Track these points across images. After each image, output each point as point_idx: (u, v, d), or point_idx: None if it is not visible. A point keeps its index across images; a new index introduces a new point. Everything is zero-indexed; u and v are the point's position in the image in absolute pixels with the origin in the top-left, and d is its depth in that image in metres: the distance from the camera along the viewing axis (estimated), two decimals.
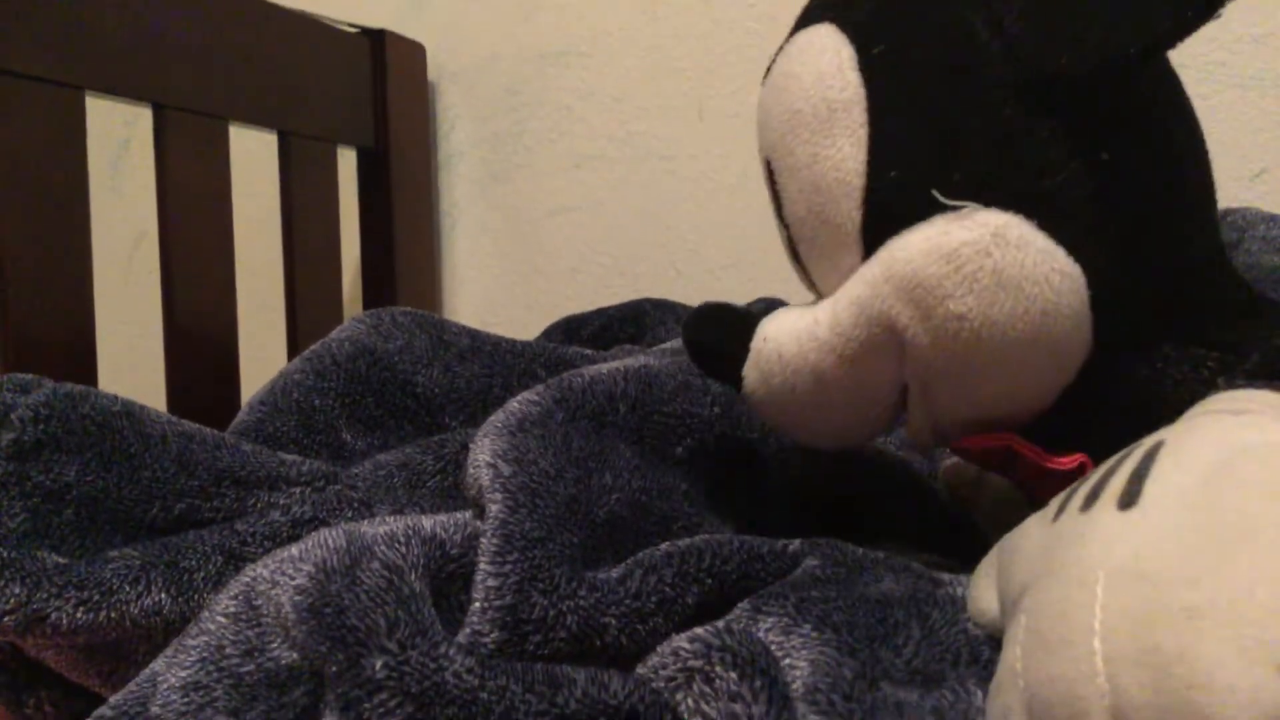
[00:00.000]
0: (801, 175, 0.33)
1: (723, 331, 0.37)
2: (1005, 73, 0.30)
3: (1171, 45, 0.29)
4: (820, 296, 0.35)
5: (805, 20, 0.35)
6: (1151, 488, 0.21)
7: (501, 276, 0.93)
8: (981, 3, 0.30)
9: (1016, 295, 0.28)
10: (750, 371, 0.35)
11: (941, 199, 0.29)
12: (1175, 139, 0.32)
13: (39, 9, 0.55)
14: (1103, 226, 0.30)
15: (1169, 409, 0.26)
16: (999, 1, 0.30)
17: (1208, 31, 0.74)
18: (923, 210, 0.30)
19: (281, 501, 0.40)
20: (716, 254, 0.85)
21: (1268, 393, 0.25)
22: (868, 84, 0.31)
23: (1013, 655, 0.22)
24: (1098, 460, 0.27)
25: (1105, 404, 0.31)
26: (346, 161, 0.84)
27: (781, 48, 0.35)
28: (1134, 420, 0.26)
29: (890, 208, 0.31)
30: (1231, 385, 0.28)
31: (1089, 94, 0.30)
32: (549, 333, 0.73)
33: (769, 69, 0.35)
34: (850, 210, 0.32)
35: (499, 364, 0.53)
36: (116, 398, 0.40)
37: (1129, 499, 0.21)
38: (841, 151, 0.32)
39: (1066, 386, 0.31)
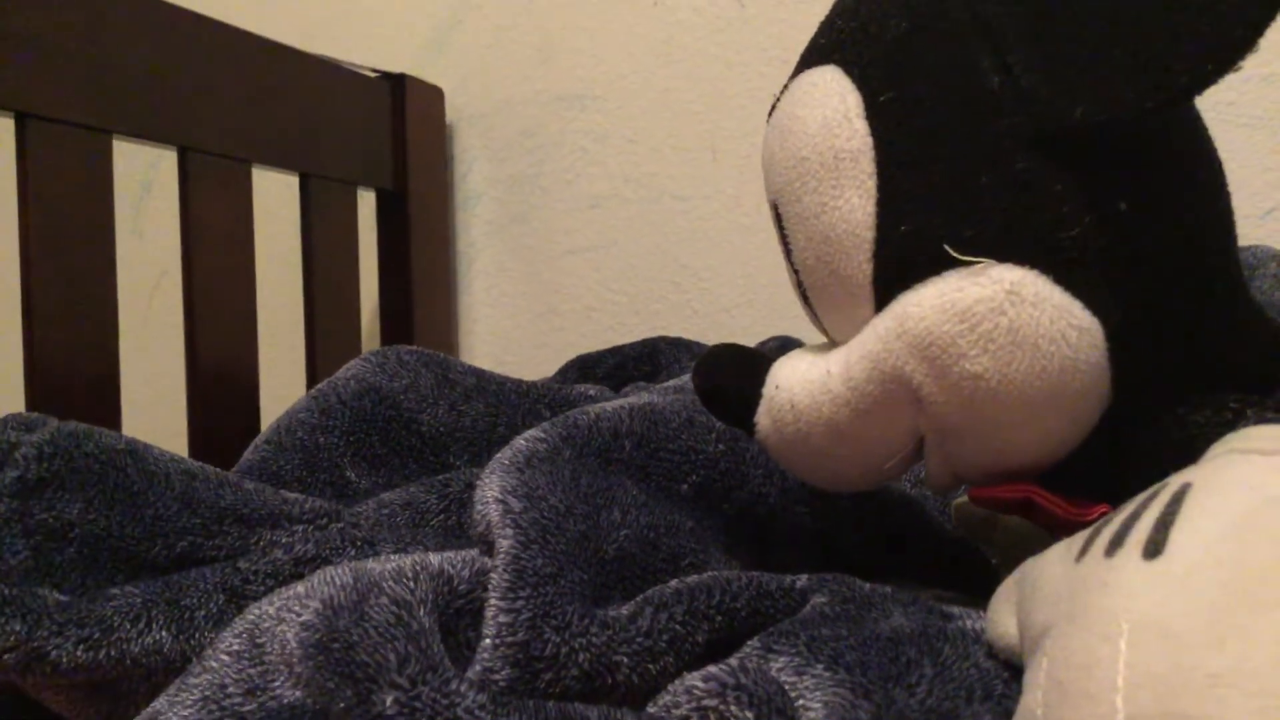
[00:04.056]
0: (810, 225, 0.32)
1: (734, 376, 0.36)
2: (1018, 124, 0.29)
3: (1189, 99, 0.28)
4: (832, 341, 0.34)
5: (810, 60, 0.34)
6: (1178, 536, 0.21)
7: (518, 316, 0.94)
8: (993, 51, 0.29)
9: (1033, 353, 0.28)
10: (763, 419, 0.34)
11: (954, 254, 0.29)
12: (1195, 181, 0.31)
13: (67, 55, 0.57)
14: (1121, 277, 0.29)
15: (1191, 454, 0.26)
16: (1012, 50, 0.29)
17: None
18: (935, 264, 0.29)
19: (284, 540, 0.40)
20: (730, 292, 0.85)
21: None
22: (875, 133, 0.31)
23: (1034, 700, 0.22)
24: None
25: (1127, 450, 0.30)
26: (366, 203, 0.85)
27: (786, 87, 0.34)
28: (1156, 466, 0.26)
29: (902, 262, 0.30)
30: (1261, 418, 0.28)
31: (1105, 145, 0.29)
32: (564, 371, 0.74)
33: (773, 108, 0.35)
34: (861, 262, 0.31)
35: (504, 403, 0.53)
36: (120, 435, 0.41)
37: (1154, 547, 0.21)
38: (850, 203, 0.31)
39: (1087, 434, 0.30)
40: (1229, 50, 0.25)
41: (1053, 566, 0.25)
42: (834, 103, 0.31)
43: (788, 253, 0.35)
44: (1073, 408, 0.29)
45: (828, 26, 0.34)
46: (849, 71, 0.32)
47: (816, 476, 0.35)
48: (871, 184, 0.31)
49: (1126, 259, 0.29)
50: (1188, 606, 0.19)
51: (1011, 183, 0.29)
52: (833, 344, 0.34)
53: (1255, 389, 0.29)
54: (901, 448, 0.32)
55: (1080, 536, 0.24)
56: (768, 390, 0.34)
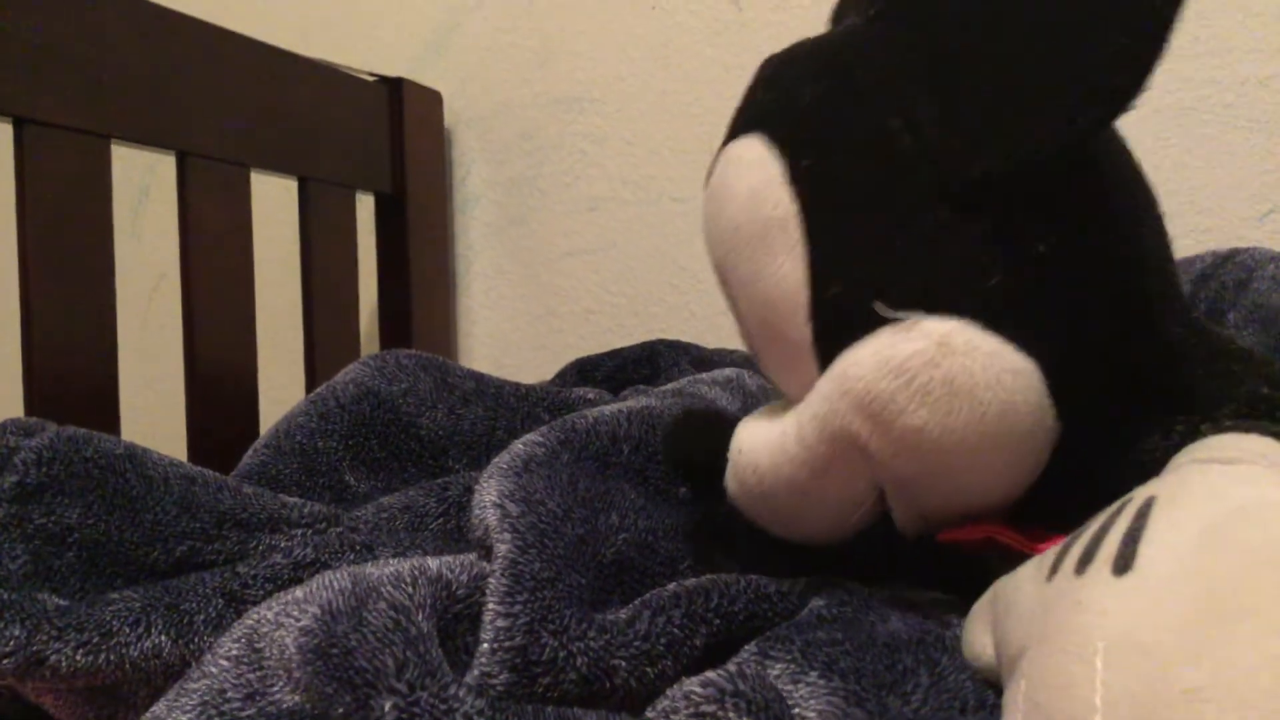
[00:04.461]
0: (749, 290, 0.33)
1: (700, 443, 0.37)
2: (929, 178, 0.30)
3: (1089, 138, 0.29)
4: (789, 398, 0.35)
5: (736, 129, 0.35)
6: (1146, 550, 0.21)
7: (517, 318, 0.94)
8: (901, 109, 0.30)
9: (971, 401, 0.28)
10: (730, 482, 0.35)
11: (884, 311, 0.29)
12: (1116, 212, 0.31)
13: (66, 60, 0.57)
14: (1050, 316, 0.29)
15: (1145, 478, 0.26)
16: (918, 107, 0.30)
17: (1214, 74, 0.75)
18: (869, 323, 0.30)
19: (283, 544, 0.40)
20: None
21: (1255, 437, 0.25)
22: (799, 199, 0.31)
23: None
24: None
25: (1084, 480, 0.30)
26: (365, 206, 0.86)
27: (718, 155, 0.35)
28: (1112, 491, 0.26)
29: (838, 322, 0.31)
30: (1218, 428, 0.28)
31: (1016, 190, 0.29)
32: (563, 374, 0.74)
33: (709, 174, 0.36)
34: (800, 324, 0.32)
35: (503, 407, 0.53)
36: (119, 440, 0.41)
37: (1124, 563, 0.21)
38: (783, 269, 0.32)
39: (1042, 469, 0.31)
40: (1119, 94, 0.26)
41: (1025, 585, 0.25)
42: (758, 172, 0.32)
43: (737, 316, 0.36)
44: (1019, 448, 0.29)
45: (750, 96, 0.35)
46: (771, 139, 0.32)
47: (788, 532, 0.35)
48: (801, 249, 0.31)
49: (1054, 298, 0.29)
50: (1161, 622, 0.20)
51: (930, 237, 0.30)
52: (789, 405, 0.34)
53: (1198, 409, 0.30)
54: (863, 500, 0.32)
55: (1050, 554, 0.24)
56: (732, 454, 0.35)
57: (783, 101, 0.33)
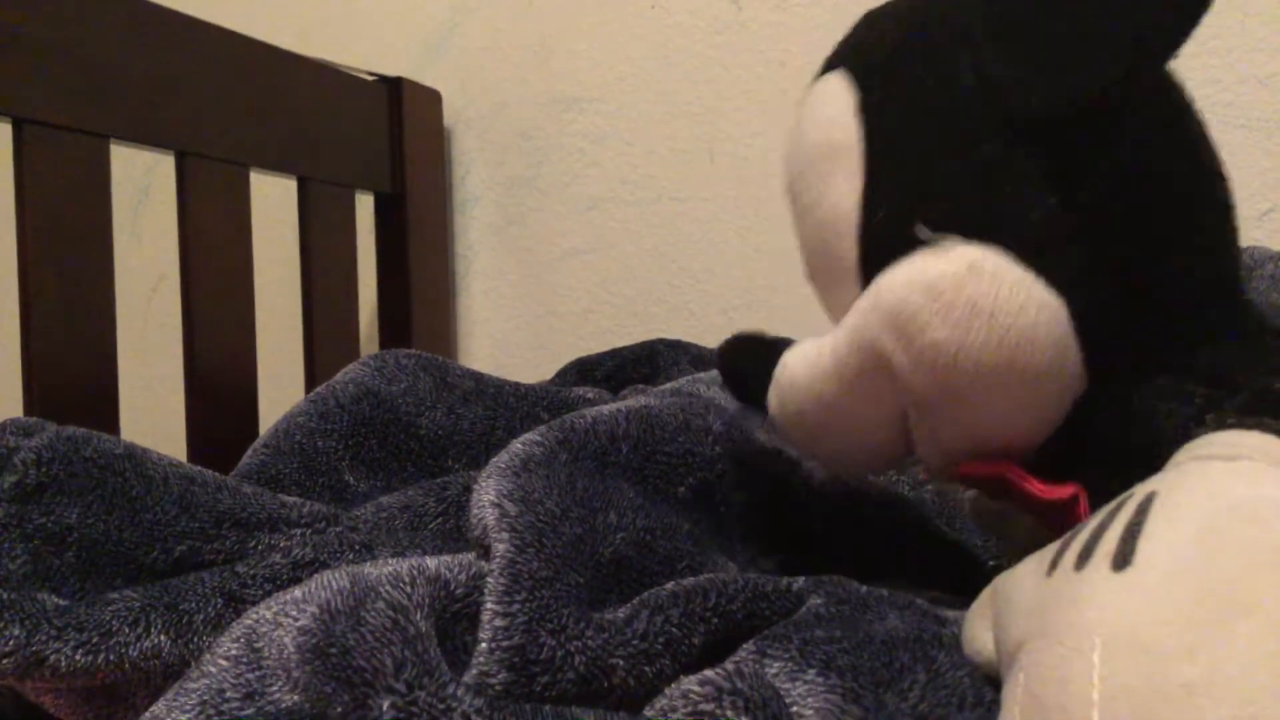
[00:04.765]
0: (811, 214, 0.36)
1: (752, 359, 0.40)
2: (983, 114, 0.32)
3: (1136, 81, 0.30)
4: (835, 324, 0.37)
5: (826, 67, 0.38)
6: (1145, 546, 0.21)
7: (516, 318, 0.94)
8: (969, 47, 0.32)
9: (990, 324, 0.29)
10: (772, 397, 0.37)
11: (922, 234, 0.31)
12: (1170, 172, 0.33)
13: (65, 60, 0.57)
14: (1086, 262, 0.31)
15: (1160, 441, 0.27)
16: (983, 46, 0.32)
17: (1214, 74, 0.74)
18: (910, 245, 0.31)
19: (282, 544, 0.40)
20: (729, 294, 0.85)
21: (1258, 434, 0.25)
22: (864, 128, 0.34)
23: (1011, 715, 0.22)
24: (1093, 491, 0.28)
25: (1101, 435, 0.31)
26: (364, 206, 0.86)
27: (807, 90, 0.38)
28: (1128, 452, 0.27)
29: (881, 243, 0.33)
30: (1221, 424, 0.28)
31: (1065, 132, 0.31)
32: (563, 374, 0.74)
33: (798, 107, 0.38)
34: (849, 246, 0.34)
35: (502, 406, 0.53)
36: (119, 440, 0.41)
37: (1123, 559, 0.21)
38: (840, 192, 0.34)
39: (1066, 417, 0.31)
40: (1170, 36, 0.28)
41: (1025, 580, 0.25)
42: (834, 103, 0.35)
43: (800, 239, 0.38)
44: (1037, 382, 0.30)
45: (844, 40, 0.38)
46: (850, 73, 0.36)
47: (818, 451, 0.38)
48: (859, 174, 0.34)
49: (1091, 244, 0.31)
50: (1158, 617, 0.20)
51: (976, 168, 0.32)
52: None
53: (1221, 385, 0.30)
54: (889, 422, 0.34)
55: (1050, 549, 0.25)
56: (777, 370, 0.37)
57: (867, 45, 0.36)
